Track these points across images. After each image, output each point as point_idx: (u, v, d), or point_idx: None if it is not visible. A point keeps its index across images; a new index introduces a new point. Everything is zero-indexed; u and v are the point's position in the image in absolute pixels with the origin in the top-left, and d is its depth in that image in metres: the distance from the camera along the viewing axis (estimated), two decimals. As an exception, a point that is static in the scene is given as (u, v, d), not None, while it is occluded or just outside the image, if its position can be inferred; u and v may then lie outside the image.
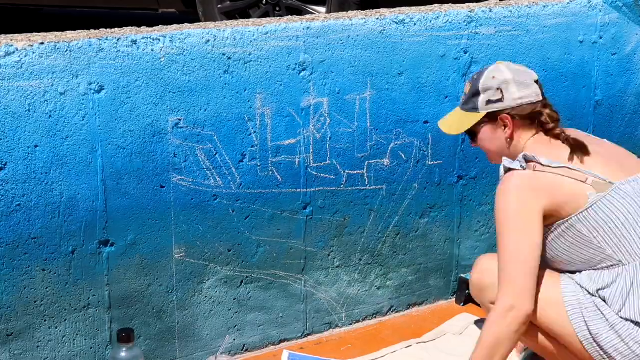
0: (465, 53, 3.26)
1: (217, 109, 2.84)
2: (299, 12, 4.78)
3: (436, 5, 3.30)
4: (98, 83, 2.62)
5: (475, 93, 2.47)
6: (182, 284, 2.93)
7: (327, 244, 3.17)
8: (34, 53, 2.51)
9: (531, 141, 2.44)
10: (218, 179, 2.90)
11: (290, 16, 3.35)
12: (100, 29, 2.73)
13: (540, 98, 2.46)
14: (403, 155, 3.23)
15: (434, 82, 3.22)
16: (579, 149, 2.36)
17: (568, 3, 3.46)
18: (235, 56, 2.83)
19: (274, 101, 2.93)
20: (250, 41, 2.85)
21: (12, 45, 2.49)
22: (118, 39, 2.63)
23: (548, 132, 2.45)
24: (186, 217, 2.87)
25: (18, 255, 2.62)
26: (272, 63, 2.90)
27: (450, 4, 3.30)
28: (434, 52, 3.20)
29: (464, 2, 3.39)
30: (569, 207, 2.29)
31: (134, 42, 2.66)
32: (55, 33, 2.67)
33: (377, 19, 3.07)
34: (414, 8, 3.23)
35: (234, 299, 3.05)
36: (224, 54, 2.82)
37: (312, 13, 4.70)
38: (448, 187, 3.35)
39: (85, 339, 2.79)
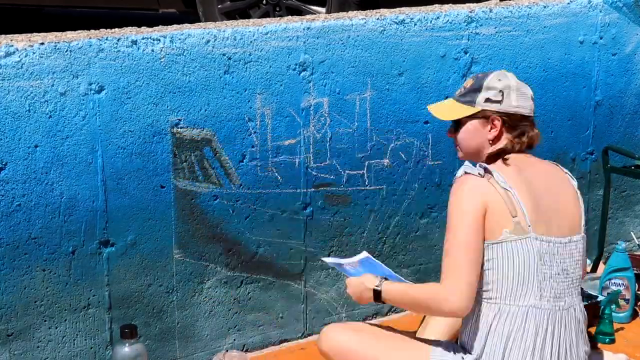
0: (466, 53, 3.26)
1: (217, 109, 2.84)
2: (299, 12, 4.78)
3: (436, 5, 3.30)
4: (98, 83, 2.62)
5: (477, 89, 2.56)
6: (182, 284, 2.93)
7: (327, 244, 3.17)
8: (34, 53, 2.51)
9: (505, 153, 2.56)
10: (218, 179, 2.90)
11: (290, 16, 3.35)
12: (100, 29, 2.73)
13: (532, 115, 2.57)
14: (403, 156, 3.23)
15: (434, 82, 3.22)
16: (528, 183, 2.49)
17: (568, 3, 3.46)
18: (236, 56, 2.83)
19: (274, 101, 2.93)
20: (251, 41, 2.85)
21: (12, 46, 2.49)
22: (118, 39, 2.63)
23: (519, 151, 2.56)
24: (186, 217, 2.87)
25: (18, 255, 2.62)
26: (272, 63, 2.90)
27: (450, 4, 3.30)
28: (434, 52, 3.20)
29: (464, 2, 3.39)
30: (487, 231, 2.44)
31: (134, 42, 2.66)
32: (55, 33, 2.67)
33: (377, 19, 3.07)
34: (414, 8, 3.23)
35: (234, 299, 3.05)
36: (224, 54, 2.82)
37: (312, 13, 4.69)
38: (448, 187, 3.31)
39: (85, 339, 2.79)
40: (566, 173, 2.64)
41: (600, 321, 3.18)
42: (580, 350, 2.53)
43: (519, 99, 2.53)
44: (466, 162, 2.52)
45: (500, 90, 2.52)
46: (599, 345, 3.15)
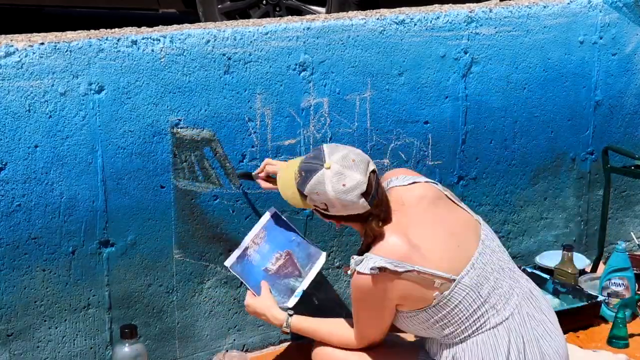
0: (466, 53, 3.26)
1: (217, 109, 2.84)
2: (299, 12, 4.78)
3: (436, 5, 3.30)
4: (98, 83, 2.62)
5: (302, 193, 2.48)
6: (182, 284, 2.93)
7: (327, 244, 3.17)
8: (34, 53, 2.52)
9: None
10: (218, 179, 2.90)
11: (290, 16, 3.35)
12: (100, 29, 2.73)
13: (367, 208, 2.42)
14: (403, 156, 3.22)
15: (434, 82, 3.22)
16: (417, 247, 2.44)
17: (568, 3, 3.46)
18: (236, 56, 2.83)
19: (274, 101, 2.93)
20: (251, 41, 2.85)
21: (12, 46, 2.49)
22: (118, 39, 2.63)
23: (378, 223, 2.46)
24: (186, 217, 2.87)
25: (18, 256, 2.62)
26: (272, 63, 2.90)
27: (450, 4, 3.30)
28: (434, 52, 3.20)
29: (464, 2, 3.39)
30: (415, 305, 2.45)
31: (134, 42, 2.66)
32: (55, 33, 2.67)
33: (377, 19, 3.07)
34: (414, 8, 3.22)
35: (234, 299, 3.05)
36: (224, 54, 2.82)
37: (312, 13, 4.69)
38: (448, 187, 3.34)
39: (85, 339, 2.79)
40: (427, 181, 2.61)
41: (614, 326, 3.15)
42: (550, 324, 2.55)
43: (345, 208, 2.42)
44: (353, 257, 2.45)
45: (323, 202, 2.44)
46: (609, 348, 3.13)
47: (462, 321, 2.45)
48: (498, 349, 2.44)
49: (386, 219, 2.46)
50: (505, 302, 2.47)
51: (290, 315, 2.73)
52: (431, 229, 2.47)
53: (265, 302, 2.75)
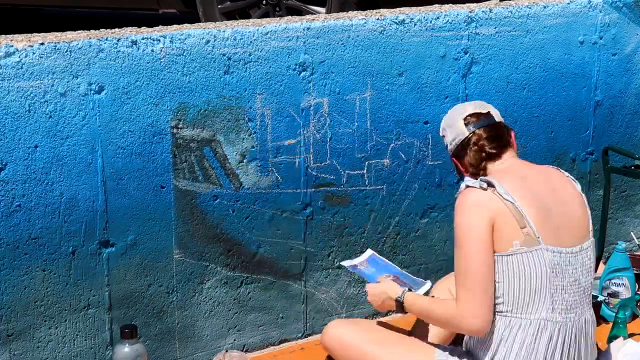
0: (466, 53, 3.26)
1: (217, 109, 2.84)
2: (299, 12, 4.78)
3: (436, 5, 3.30)
4: (98, 83, 2.62)
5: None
6: (182, 284, 2.93)
7: (327, 244, 3.17)
8: (34, 53, 2.51)
9: (491, 167, 2.56)
10: (218, 179, 2.90)
11: (290, 16, 3.35)
12: (100, 29, 2.73)
13: (466, 134, 2.57)
14: (403, 156, 3.23)
15: (434, 82, 3.22)
16: (526, 188, 2.47)
17: (568, 3, 3.46)
18: (236, 56, 2.83)
19: (274, 101, 2.93)
20: (251, 41, 2.85)
21: (12, 46, 2.49)
22: (118, 39, 2.63)
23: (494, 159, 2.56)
24: (186, 218, 2.87)
25: (18, 256, 2.62)
26: (272, 63, 2.90)
27: (450, 4, 3.30)
28: (434, 53, 3.20)
29: (464, 2, 3.39)
30: (496, 243, 2.41)
31: (134, 42, 2.66)
32: (55, 33, 2.67)
33: (377, 19, 3.07)
34: (414, 8, 3.22)
35: (234, 300, 3.05)
36: (224, 54, 2.82)
37: (312, 13, 4.69)
38: (448, 187, 3.35)
39: (86, 340, 2.79)
40: (568, 176, 2.61)
41: (614, 326, 3.14)
42: (589, 357, 2.52)
43: (451, 132, 2.61)
44: (466, 177, 2.52)
45: (444, 129, 2.65)
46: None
47: (518, 295, 2.40)
48: (540, 339, 2.41)
49: (498, 156, 2.54)
50: (563, 310, 2.44)
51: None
52: (545, 198, 2.47)
53: (388, 283, 2.70)
